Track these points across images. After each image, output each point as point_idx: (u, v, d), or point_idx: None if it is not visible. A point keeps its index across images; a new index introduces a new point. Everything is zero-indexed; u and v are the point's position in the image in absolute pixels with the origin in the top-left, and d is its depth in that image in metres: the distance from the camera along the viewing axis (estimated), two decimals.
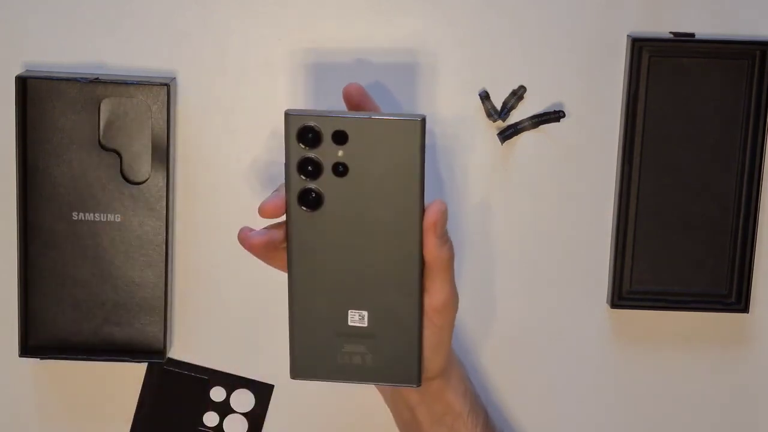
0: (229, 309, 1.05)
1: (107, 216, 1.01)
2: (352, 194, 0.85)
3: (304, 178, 0.84)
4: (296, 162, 0.84)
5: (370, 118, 0.84)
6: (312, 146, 0.84)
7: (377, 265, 0.86)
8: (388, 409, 1.06)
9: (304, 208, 0.85)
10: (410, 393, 0.95)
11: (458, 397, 0.96)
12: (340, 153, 0.84)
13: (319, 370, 0.87)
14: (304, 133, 0.83)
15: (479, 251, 1.05)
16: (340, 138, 0.84)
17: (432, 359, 0.90)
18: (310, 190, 0.84)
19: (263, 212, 0.86)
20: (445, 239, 0.87)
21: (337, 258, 0.86)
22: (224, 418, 1.07)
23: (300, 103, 1.03)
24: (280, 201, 0.86)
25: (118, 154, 1.01)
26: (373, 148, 0.84)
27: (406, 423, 0.98)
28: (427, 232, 0.85)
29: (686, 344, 1.07)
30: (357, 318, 0.86)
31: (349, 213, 0.85)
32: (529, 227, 1.05)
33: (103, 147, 1.00)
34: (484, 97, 1.02)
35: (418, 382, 0.88)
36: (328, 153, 0.84)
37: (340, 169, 0.84)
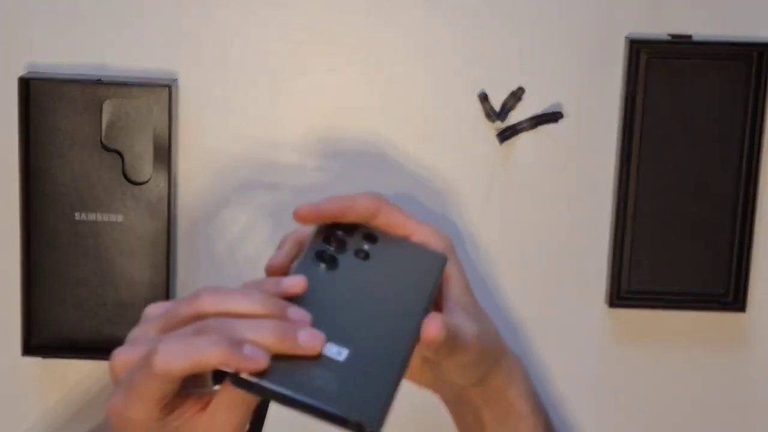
0: None
1: (109, 216, 1.01)
2: (366, 273, 0.84)
3: (321, 262, 0.83)
4: (315, 251, 0.83)
5: (400, 240, 0.86)
6: (336, 250, 0.84)
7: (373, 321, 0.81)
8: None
9: (320, 263, 0.83)
10: (474, 394, 0.91)
11: (521, 397, 0.92)
12: (366, 246, 0.84)
13: (269, 376, 0.74)
14: (329, 236, 0.84)
15: (478, 251, 1.06)
16: (370, 238, 0.85)
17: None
18: (327, 252, 0.84)
19: (269, 272, 0.84)
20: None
21: (334, 302, 0.81)
22: None
23: (298, 99, 1.03)
24: (283, 260, 0.84)
25: (120, 154, 1.01)
26: (395, 256, 0.86)
27: (469, 426, 0.94)
28: (424, 346, 0.81)
29: (684, 343, 1.07)
30: (334, 351, 0.76)
31: (358, 283, 0.83)
32: (527, 227, 1.05)
33: (105, 148, 1.01)
34: (483, 98, 1.03)
35: (377, 425, 0.74)
36: (354, 243, 0.84)
37: (361, 255, 0.84)
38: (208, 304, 0.75)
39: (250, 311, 0.75)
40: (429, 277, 0.86)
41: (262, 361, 0.73)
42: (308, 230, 0.86)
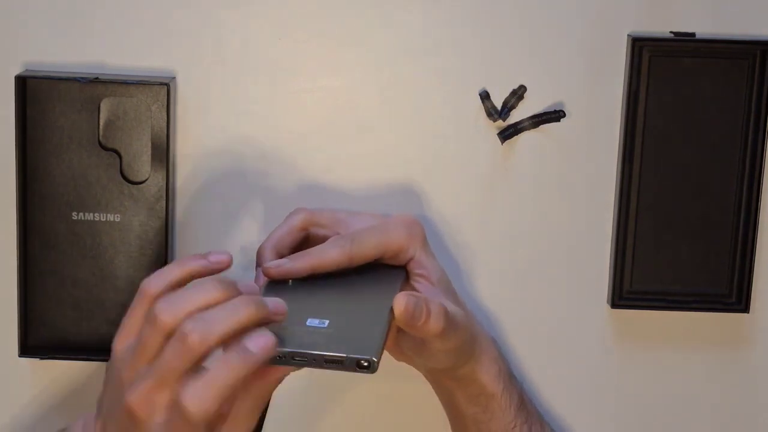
0: None
1: (107, 216, 1.01)
2: (333, 276, 0.90)
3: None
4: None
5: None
6: None
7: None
8: (389, 411, 1.07)
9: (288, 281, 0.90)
10: (445, 377, 0.97)
11: (491, 378, 0.97)
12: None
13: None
14: None
15: (479, 251, 1.05)
16: None
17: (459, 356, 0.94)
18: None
19: None
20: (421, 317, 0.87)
21: (306, 290, 0.88)
22: None
23: (298, 98, 1.03)
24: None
25: (118, 153, 1.00)
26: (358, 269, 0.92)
27: (446, 401, 1.01)
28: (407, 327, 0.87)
29: (686, 344, 1.07)
30: (316, 322, 0.83)
31: (327, 280, 0.89)
32: (529, 227, 1.05)
33: (102, 147, 1.00)
34: (484, 96, 1.02)
35: (377, 355, 0.80)
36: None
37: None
38: (168, 319, 0.77)
39: (211, 301, 0.78)
40: (394, 276, 0.91)
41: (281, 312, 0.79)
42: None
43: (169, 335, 0.77)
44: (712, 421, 1.08)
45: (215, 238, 1.04)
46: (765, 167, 1.02)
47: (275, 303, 0.79)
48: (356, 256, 0.90)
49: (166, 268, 0.81)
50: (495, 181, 1.04)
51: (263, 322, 0.78)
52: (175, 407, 0.76)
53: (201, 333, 0.75)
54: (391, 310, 0.84)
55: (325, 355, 0.79)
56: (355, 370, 0.78)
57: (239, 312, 0.76)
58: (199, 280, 0.80)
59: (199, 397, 0.75)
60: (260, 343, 0.76)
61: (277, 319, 0.79)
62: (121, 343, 0.81)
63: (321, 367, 0.79)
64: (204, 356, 0.76)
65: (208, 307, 0.77)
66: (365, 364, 0.79)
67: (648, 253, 1.04)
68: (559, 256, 1.05)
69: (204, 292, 0.78)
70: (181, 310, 0.77)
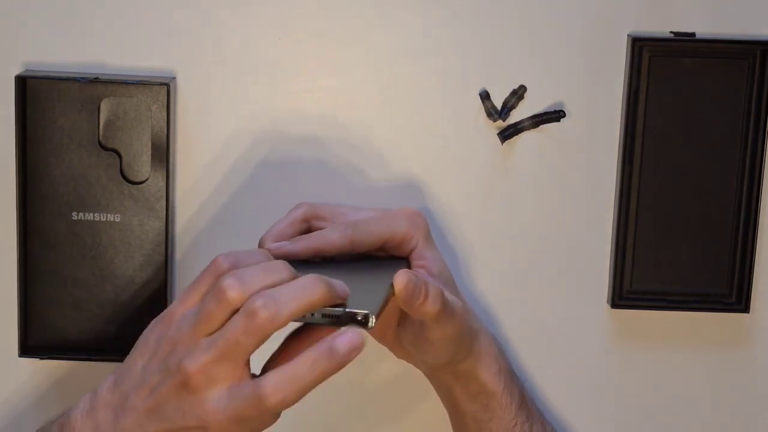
0: None
1: (107, 216, 1.01)
2: (336, 262, 0.92)
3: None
4: None
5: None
6: None
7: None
8: (388, 410, 1.07)
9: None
10: (445, 374, 0.97)
11: (491, 376, 0.97)
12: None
13: None
14: None
15: (479, 251, 1.05)
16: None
17: (457, 349, 0.94)
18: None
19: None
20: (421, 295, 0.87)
21: (308, 266, 0.88)
22: None
23: (298, 99, 1.03)
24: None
25: (118, 153, 1.00)
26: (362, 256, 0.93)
27: (446, 399, 1.00)
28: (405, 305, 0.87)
29: (686, 344, 1.07)
30: None
31: (329, 263, 0.91)
32: (529, 227, 1.05)
33: (102, 147, 1.00)
34: (484, 96, 1.02)
35: (374, 312, 0.81)
36: None
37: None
38: (236, 295, 0.78)
39: (279, 282, 0.79)
40: (395, 264, 0.91)
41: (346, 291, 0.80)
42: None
43: (235, 310, 0.78)
44: (712, 421, 1.08)
45: (215, 237, 1.04)
46: (765, 167, 1.02)
47: (341, 285, 0.80)
48: (357, 242, 0.90)
49: (247, 252, 0.83)
50: (495, 181, 1.04)
51: (329, 303, 0.79)
52: (247, 389, 0.77)
53: (271, 313, 0.76)
54: (391, 286, 0.85)
55: (323, 309, 0.79)
56: (350, 325, 0.79)
57: (310, 292, 0.78)
58: (267, 260, 0.82)
59: (283, 391, 0.77)
60: (349, 343, 0.77)
61: (342, 301, 0.80)
62: (180, 310, 0.81)
63: (318, 322, 0.79)
64: (271, 334, 0.77)
65: (275, 286, 0.78)
66: (361, 319, 0.79)
67: (648, 253, 1.04)
68: (559, 256, 1.05)
69: (274, 272, 0.79)
70: (249, 288, 0.78)
